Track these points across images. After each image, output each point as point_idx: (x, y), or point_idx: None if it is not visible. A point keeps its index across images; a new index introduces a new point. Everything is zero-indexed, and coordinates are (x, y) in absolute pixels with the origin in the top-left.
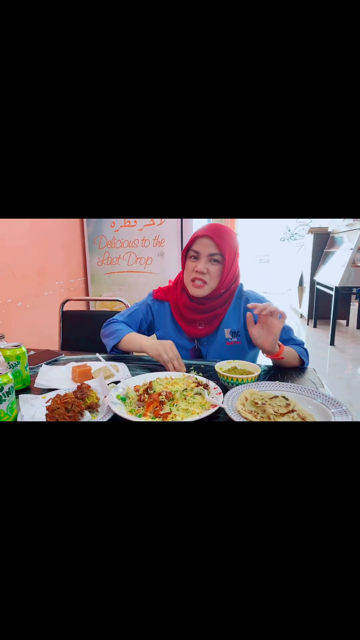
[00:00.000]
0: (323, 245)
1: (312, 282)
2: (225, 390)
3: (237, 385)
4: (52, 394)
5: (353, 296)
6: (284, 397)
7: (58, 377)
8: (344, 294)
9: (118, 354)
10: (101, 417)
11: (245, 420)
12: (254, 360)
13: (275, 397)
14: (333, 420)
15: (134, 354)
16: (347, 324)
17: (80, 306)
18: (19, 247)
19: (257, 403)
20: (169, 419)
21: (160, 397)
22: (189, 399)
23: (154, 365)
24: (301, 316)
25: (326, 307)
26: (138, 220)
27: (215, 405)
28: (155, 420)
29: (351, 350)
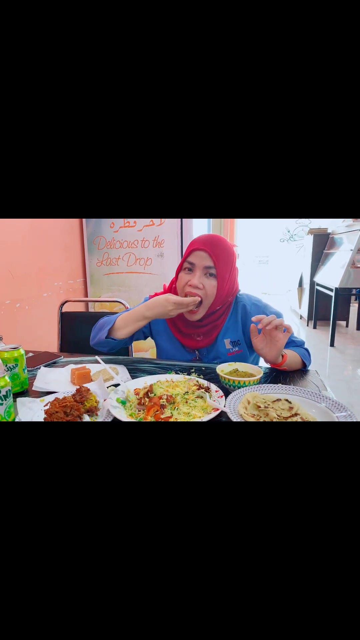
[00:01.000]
0: (323, 246)
1: (312, 283)
2: (226, 392)
3: (238, 388)
4: (50, 397)
5: (352, 297)
6: (286, 400)
7: (57, 380)
8: (344, 295)
9: (117, 349)
10: (101, 420)
11: (243, 421)
12: (255, 363)
13: (278, 400)
14: (334, 416)
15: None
16: (347, 325)
17: (79, 307)
18: (18, 247)
19: (259, 406)
20: None
21: (161, 400)
22: (190, 403)
23: (154, 368)
24: (301, 317)
25: (326, 308)
26: (138, 220)
27: (217, 409)
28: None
29: (351, 352)
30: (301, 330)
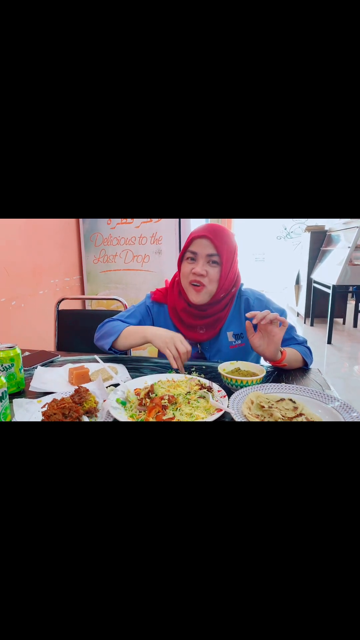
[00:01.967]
0: (320, 243)
1: (309, 281)
2: (228, 392)
3: (241, 387)
4: (48, 398)
5: (349, 294)
6: (291, 400)
7: (54, 380)
8: (341, 293)
9: (117, 353)
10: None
11: (247, 421)
12: (257, 361)
13: (282, 400)
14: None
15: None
16: (344, 322)
17: (75, 305)
18: (13, 244)
19: (263, 406)
20: None
21: (163, 401)
22: (192, 403)
23: (154, 366)
24: (298, 314)
25: (323, 306)
26: None
27: (221, 410)
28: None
29: (348, 349)
30: (298, 328)
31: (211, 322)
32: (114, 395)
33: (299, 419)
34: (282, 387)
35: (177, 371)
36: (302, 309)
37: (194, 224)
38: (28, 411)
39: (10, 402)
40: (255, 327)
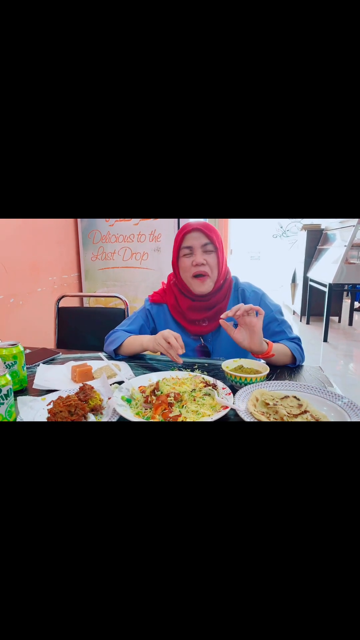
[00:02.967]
0: (316, 242)
1: (305, 279)
2: (231, 389)
3: (245, 384)
4: (52, 396)
5: (344, 293)
6: (295, 397)
7: (57, 378)
8: (337, 291)
9: (124, 358)
10: (106, 420)
11: (256, 421)
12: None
13: (286, 397)
14: (348, 420)
15: None
16: (339, 321)
17: (74, 302)
18: (11, 241)
19: (268, 404)
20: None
21: (169, 398)
22: (198, 400)
23: (156, 364)
24: (294, 313)
25: (319, 304)
26: None
27: (227, 407)
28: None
29: (343, 347)
30: (294, 326)
31: (213, 314)
32: (119, 392)
33: (304, 416)
34: (285, 384)
35: (180, 368)
36: (298, 307)
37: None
38: (32, 409)
39: (14, 399)
40: (235, 325)
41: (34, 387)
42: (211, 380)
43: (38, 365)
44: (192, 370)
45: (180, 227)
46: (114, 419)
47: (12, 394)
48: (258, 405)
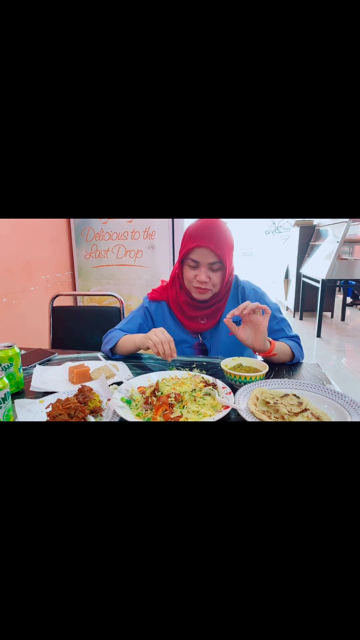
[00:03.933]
0: (309, 238)
1: (298, 275)
2: (230, 388)
3: (244, 383)
4: (50, 398)
5: (337, 288)
6: (294, 395)
7: (54, 379)
8: (329, 287)
9: (121, 358)
10: (106, 421)
11: (259, 421)
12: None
13: (286, 395)
14: (349, 418)
15: None
16: (332, 316)
17: (67, 301)
18: (3, 240)
19: (268, 403)
20: None
21: (169, 399)
22: (199, 400)
23: (154, 363)
24: (287, 309)
25: (312, 300)
26: None
27: (228, 407)
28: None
29: (336, 342)
30: None
31: (211, 312)
32: (118, 393)
33: (305, 414)
34: (284, 382)
35: (178, 367)
36: (291, 303)
37: (188, 220)
38: (30, 412)
39: (12, 402)
40: (239, 323)
41: (31, 389)
42: (211, 379)
43: (34, 367)
44: (191, 369)
45: (177, 223)
46: (115, 421)
47: (10, 397)
48: (259, 404)
